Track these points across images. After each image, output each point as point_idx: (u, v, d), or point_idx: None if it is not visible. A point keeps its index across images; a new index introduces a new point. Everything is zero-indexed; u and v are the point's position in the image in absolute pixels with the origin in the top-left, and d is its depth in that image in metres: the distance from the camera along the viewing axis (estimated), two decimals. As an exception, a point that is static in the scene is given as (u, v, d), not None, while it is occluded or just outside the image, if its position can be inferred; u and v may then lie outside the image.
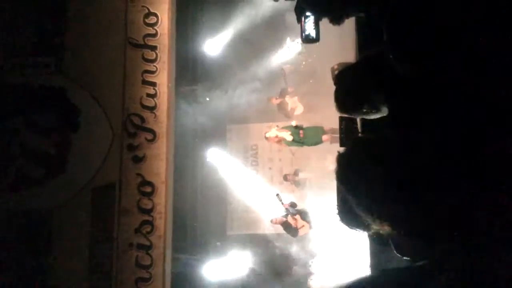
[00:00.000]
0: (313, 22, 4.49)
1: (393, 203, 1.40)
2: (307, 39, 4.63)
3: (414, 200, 1.38)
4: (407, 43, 1.51)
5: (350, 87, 1.94)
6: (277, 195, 8.49)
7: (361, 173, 1.46)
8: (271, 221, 8.55)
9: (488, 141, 1.39)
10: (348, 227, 1.71)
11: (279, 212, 8.49)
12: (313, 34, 4.57)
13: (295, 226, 8.30)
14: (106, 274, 6.86)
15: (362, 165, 1.47)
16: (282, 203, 8.45)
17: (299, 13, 4.29)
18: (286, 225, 8.37)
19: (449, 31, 1.41)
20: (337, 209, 1.74)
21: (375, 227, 1.50)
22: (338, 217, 1.74)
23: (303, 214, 8.36)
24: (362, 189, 1.46)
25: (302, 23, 4.53)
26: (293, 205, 8.50)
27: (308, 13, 4.42)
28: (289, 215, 8.33)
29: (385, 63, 1.62)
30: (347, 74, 1.99)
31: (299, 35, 4.75)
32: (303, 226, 8.30)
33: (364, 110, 1.93)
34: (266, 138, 8.37)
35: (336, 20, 1.90)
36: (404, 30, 1.50)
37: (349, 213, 1.59)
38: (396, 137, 1.56)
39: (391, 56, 1.57)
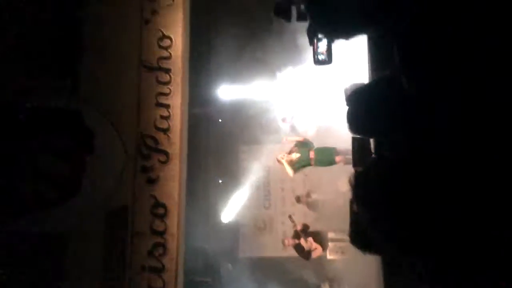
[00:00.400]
0: (326, 45, 4.52)
1: (408, 226, 1.38)
2: (319, 62, 4.65)
3: (428, 223, 1.36)
4: (419, 64, 1.51)
5: (362, 108, 1.93)
6: (290, 216, 8.43)
7: (376, 196, 1.45)
8: (283, 243, 8.47)
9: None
10: (361, 249, 1.69)
11: (292, 234, 8.41)
12: (325, 56, 4.60)
13: (308, 249, 8.20)
14: (119, 298, 6.83)
15: (377, 187, 1.45)
16: (295, 225, 8.38)
17: (312, 35, 4.33)
18: (298, 248, 8.28)
19: (463, 52, 1.41)
20: (350, 230, 1.72)
21: (389, 250, 1.48)
22: (350, 239, 1.72)
23: (316, 236, 8.27)
24: (378, 212, 1.45)
25: (315, 45, 4.56)
26: (305, 227, 8.42)
27: (320, 36, 4.45)
28: (301, 238, 8.24)
29: (397, 85, 1.61)
30: (359, 95, 1.99)
31: (312, 56, 4.77)
32: (315, 248, 8.20)
33: (377, 132, 1.92)
34: (278, 161, 8.36)
35: (348, 38, 1.90)
36: (416, 51, 1.50)
37: (362, 235, 1.57)
38: (411, 159, 1.55)
39: (402, 78, 1.56)
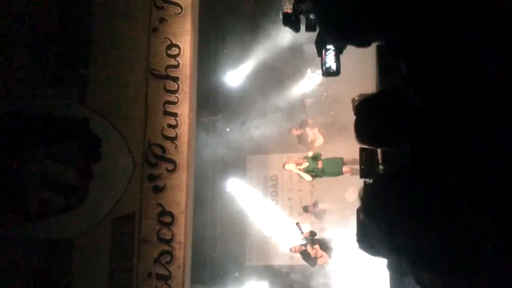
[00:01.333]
0: (334, 55, 4.51)
1: (416, 239, 1.37)
2: (327, 72, 4.64)
3: (438, 237, 1.35)
4: (426, 75, 1.50)
5: (370, 119, 1.92)
6: (297, 224, 8.43)
7: (385, 209, 1.44)
8: (290, 250, 8.46)
9: None
10: (367, 253, 1.68)
11: (299, 241, 8.40)
12: (333, 67, 4.58)
13: (314, 256, 8.20)
14: (125, 305, 6.83)
15: (387, 201, 1.45)
16: (302, 232, 8.38)
17: (320, 46, 4.33)
18: (305, 254, 8.27)
19: (471, 64, 1.40)
20: (357, 239, 1.71)
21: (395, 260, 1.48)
22: (357, 245, 1.72)
23: (322, 244, 8.25)
24: (386, 226, 1.44)
25: (323, 56, 4.56)
26: (312, 234, 8.40)
27: (328, 46, 4.45)
28: (308, 245, 8.23)
29: (405, 96, 1.61)
30: (367, 106, 1.98)
31: (320, 66, 4.77)
32: (322, 256, 8.19)
33: (385, 143, 1.91)
34: (285, 169, 8.35)
35: (357, 46, 1.90)
36: (424, 62, 1.50)
37: (369, 244, 1.57)
38: (419, 172, 1.54)
39: (409, 91, 1.56)
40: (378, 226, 1.47)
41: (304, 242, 8.31)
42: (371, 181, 1.54)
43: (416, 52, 1.51)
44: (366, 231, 1.58)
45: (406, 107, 1.73)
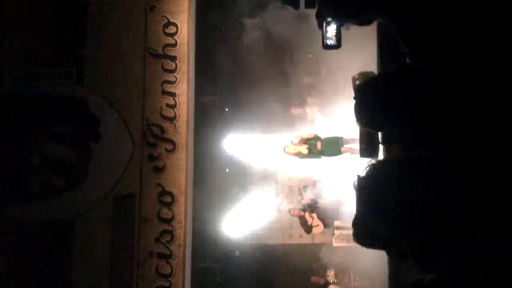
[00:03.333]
0: (335, 29, 4.46)
1: (419, 226, 1.37)
2: (328, 46, 4.58)
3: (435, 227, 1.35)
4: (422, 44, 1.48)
5: (370, 103, 1.90)
6: (299, 189, 8.53)
7: (385, 198, 1.43)
8: (289, 211, 8.56)
9: None
10: (366, 246, 1.68)
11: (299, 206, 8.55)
12: (334, 40, 4.53)
13: (310, 224, 8.32)
14: (127, 283, 6.89)
15: (381, 192, 1.43)
16: (303, 198, 8.47)
17: (320, 19, 4.26)
18: (302, 220, 8.41)
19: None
20: (354, 230, 1.70)
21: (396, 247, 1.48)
22: (355, 238, 1.71)
23: (320, 214, 8.36)
24: (382, 217, 1.43)
25: (324, 29, 4.50)
26: (313, 202, 8.48)
27: (329, 19, 4.39)
28: (307, 212, 8.34)
29: (407, 78, 1.59)
30: (368, 89, 1.96)
31: (320, 42, 4.72)
32: (318, 225, 8.33)
33: (385, 127, 1.89)
34: (285, 152, 8.35)
35: (359, 24, 1.87)
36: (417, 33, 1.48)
37: (368, 232, 1.56)
38: (420, 157, 1.52)
39: (407, 58, 1.54)
40: (375, 218, 1.46)
41: (303, 208, 8.43)
42: (364, 173, 1.53)
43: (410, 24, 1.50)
44: (364, 221, 1.57)
45: (405, 91, 1.72)
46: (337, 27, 4.49)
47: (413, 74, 1.66)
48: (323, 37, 4.48)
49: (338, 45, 4.56)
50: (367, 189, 1.48)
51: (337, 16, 1.95)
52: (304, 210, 8.39)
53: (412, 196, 1.36)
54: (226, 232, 8.71)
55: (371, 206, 1.47)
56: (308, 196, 8.68)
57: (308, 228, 8.38)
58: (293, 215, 8.53)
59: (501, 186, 1.35)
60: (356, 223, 1.64)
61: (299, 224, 8.50)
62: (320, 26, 4.53)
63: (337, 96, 7.92)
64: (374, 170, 1.49)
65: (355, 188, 1.52)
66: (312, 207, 8.43)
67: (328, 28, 4.52)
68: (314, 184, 8.86)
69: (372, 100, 1.88)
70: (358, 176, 1.51)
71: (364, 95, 1.94)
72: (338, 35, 4.46)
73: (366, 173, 1.50)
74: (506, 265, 1.36)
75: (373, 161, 1.53)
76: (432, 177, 1.38)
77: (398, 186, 1.40)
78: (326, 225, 8.32)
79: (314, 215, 8.36)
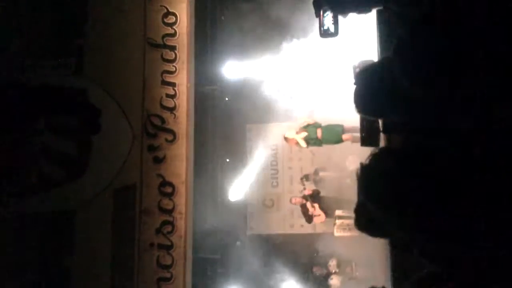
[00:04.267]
0: (332, 16, 4.41)
1: (426, 215, 1.35)
2: (325, 33, 4.54)
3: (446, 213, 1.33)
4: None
5: (370, 90, 1.88)
6: (302, 179, 8.51)
7: (389, 186, 1.41)
8: (290, 201, 8.55)
9: None
10: (368, 234, 1.67)
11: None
12: (331, 28, 4.49)
13: (311, 213, 8.31)
14: (128, 274, 6.90)
15: (383, 181, 1.42)
16: (305, 188, 8.46)
17: (318, 6, 4.22)
18: (304, 209, 8.38)
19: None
20: (356, 217, 1.69)
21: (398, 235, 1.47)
22: (357, 225, 1.70)
23: (322, 204, 8.34)
24: (392, 202, 1.42)
25: (321, 17, 4.45)
26: (316, 192, 8.46)
27: (326, 7, 4.35)
28: (309, 201, 8.32)
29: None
30: (367, 77, 1.93)
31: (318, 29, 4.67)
32: (319, 215, 8.31)
33: (383, 113, 1.87)
34: (285, 139, 8.31)
35: (356, 13, 1.85)
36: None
37: (369, 221, 1.56)
38: (422, 147, 1.51)
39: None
40: (377, 206, 1.45)
41: (304, 197, 8.42)
42: (367, 162, 1.51)
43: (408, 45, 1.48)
44: (366, 209, 1.56)
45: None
46: (334, 14, 4.45)
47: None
48: (320, 25, 4.44)
49: (335, 33, 4.52)
50: (370, 177, 1.46)
51: (334, 6, 1.92)
52: (306, 199, 8.38)
53: (414, 185, 1.36)
54: (227, 222, 8.70)
55: (374, 194, 1.46)
56: (310, 187, 8.65)
57: (309, 218, 8.37)
58: (294, 204, 8.51)
59: (502, 177, 1.34)
60: (358, 210, 1.63)
61: (300, 214, 8.48)
62: (317, 14, 4.49)
63: (338, 83, 7.87)
64: (377, 159, 1.48)
65: (357, 177, 1.51)
66: (314, 197, 8.41)
67: (325, 16, 4.48)
68: (316, 172, 8.83)
69: (371, 87, 1.86)
70: (361, 165, 1.50)
71: (363, 82, 1.92)
72: (336, 23, 4.42)
73: (369, 162, 1.49)
74: (506, 255, 1.35)
75: (376, 150, 1.51)
76: (434, 166, 1.37)
77: (401, 175, 1.39)
78: (328, 215, 8.30)
79: (316, 205, 8.33)
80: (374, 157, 1.51)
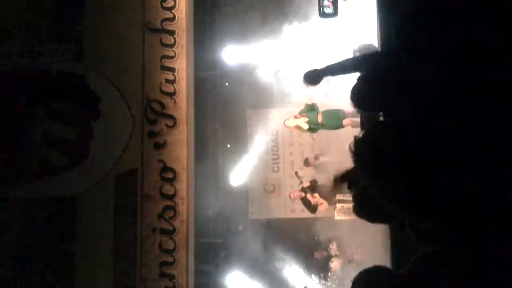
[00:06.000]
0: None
1: (419, 190, 1.35)
2: (325, 14, 4.51)
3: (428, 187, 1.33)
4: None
5: (368, 89, 1.87)
6: (296, 173, 8.49)
7: (384, 160, 1.41)
8: (289, 196, 8.56)
9: None
10: (368, 220, 1.68)
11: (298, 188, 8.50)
12: (331, 9, 4.45)
13: (314, 203, 8.31)
14: (130, 259, 6.95)
15: (376, 153, 1.42)
16: (301, 182, 8.44)
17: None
18: (305, 201, 8.37)
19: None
20: (354, 203, 1.70)
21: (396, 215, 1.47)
22: (356, 212, 1.70)
23: (322, 192, 8.33)
24: (387, 177, 1.42)
25: (320, -3, 4.42)
26: (314, 183, 8.45)
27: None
28: (308, 193, 8.32)
29: (404, 62, 1.57)
30: (364, 70, 1.93)
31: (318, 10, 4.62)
32: (322, 203, 8.29)
33: (382, 113, 1.87)
34: (286, 126, 8.30)
35: None
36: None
37: (369, 204, 1.56)
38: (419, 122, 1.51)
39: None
40: (379, 181, 1.45)
41: (303, 190, 8.41)
42: (361, 135, 1.51)
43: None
44: (365, 191, 1.56)
45: (405, 77, 1.69)
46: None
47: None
48: (320, 5, 4.39)
49: (335, 14, 4.48)
50: (365, 150, 1.46)
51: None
52: (305, 191, 8.35)
53: (411, 157, 1.35)
54: (228, 207, 8.73)
55: (369, 167, 1.45)
56: (306, 179, 8.61)
57: (313, 209, 8.33)
58: (294, 198, 8.50)
59: (496, 156, 1.34)
60: (357, 197, 1.63)
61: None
62: (316, -5, 4.46)
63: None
64: (372, 132, 1.48)
65: (351, 151, 1.50)
66: (312, 187, 8.39)
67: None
68: (316, 157, 8.83)
69: (369, 86, 1.86)
70: (355, 138, 1.50)
71: (360, 79, 1.91)
72: (335, 4, 4.38)
73: (363, 135, 1.48)
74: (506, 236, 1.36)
75: (371, 124, 1.51)
76: (431, 139, 1.37)
77: (397, 147, 1.38)
78: (330, 202, 8.26)
79: (316, 194, 8.31)
80: (368, 130, 1.51)
